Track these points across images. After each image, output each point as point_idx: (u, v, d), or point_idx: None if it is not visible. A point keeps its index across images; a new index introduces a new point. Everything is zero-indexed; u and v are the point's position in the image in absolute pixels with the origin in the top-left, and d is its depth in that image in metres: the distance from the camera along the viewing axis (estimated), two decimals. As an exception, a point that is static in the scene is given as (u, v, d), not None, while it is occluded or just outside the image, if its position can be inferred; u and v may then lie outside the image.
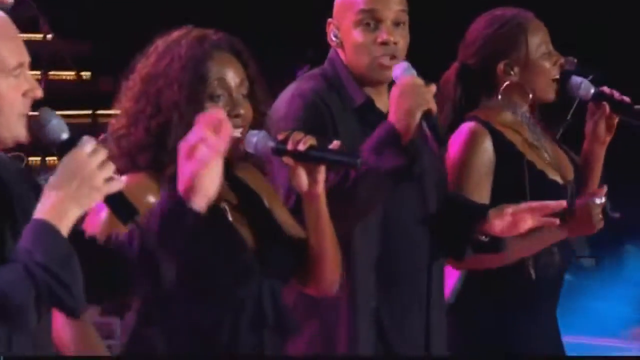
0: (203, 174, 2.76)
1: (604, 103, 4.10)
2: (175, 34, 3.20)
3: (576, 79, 4.07)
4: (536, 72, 4.10)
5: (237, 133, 3.05)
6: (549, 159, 4.17)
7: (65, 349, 3.23)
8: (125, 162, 3.12)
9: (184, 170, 2.78)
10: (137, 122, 3.13)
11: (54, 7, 8.79)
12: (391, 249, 3.76)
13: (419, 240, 3.80)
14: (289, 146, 3.05)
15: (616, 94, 4.10)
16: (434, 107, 3.50)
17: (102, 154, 2.70)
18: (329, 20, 3.69)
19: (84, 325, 3.24)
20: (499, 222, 3.76)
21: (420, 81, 3.51)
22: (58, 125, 2.76)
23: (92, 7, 9.51)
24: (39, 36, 8.10)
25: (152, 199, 3.04)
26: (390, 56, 3.61)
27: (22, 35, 2.86)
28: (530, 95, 4.10)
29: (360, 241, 3.68)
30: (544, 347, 4.19)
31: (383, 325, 3.75)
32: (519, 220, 3.76)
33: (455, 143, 4.05)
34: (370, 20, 3.62)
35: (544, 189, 4.04)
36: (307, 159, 3.07)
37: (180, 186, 2.76)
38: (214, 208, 3.05)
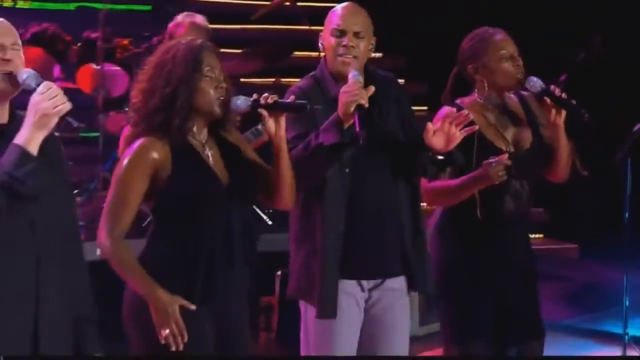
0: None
1: (547, 99, 4.95)
2: (170, 42, 4.49)
3: (531, 78, 5.00)
4: (496, 72, 5.03)
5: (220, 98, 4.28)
6: (506, 134, 5.06)
7: (106, 255, 4.29)
8: (144, 124, 4.26)
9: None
10: (154, 93, 4.21)
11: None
12: (359, 192, 4.75)
13: (386, 188, 4.78)
14: (262, 101, 4.25)
15: (557, 91, 4.96)
16: (365, 103, 4.52)
17: (54, 90, 3.83)
18: (320, 35, 4.94)
19: (119, 245, 4.24)
20: (437, 140, 4.61)
21: (359, 85, 4.60)
22: (30, 80, 3.88)
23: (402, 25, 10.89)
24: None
25: (155, 154, 4.21)
26: (352, 56, 4.77)
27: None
28: (486, 88, 5.03)
29: (331, 186, 4.69)
30: (513, 262, 5.03)
31: (350, 243, 4.72)
32: (449, 135, 4.61)
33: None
34: (339, 32, 4.78)
35: (487, 152, 4.90)
36: (274, 107, 4.23)
37: None
38: (196, 154, 4.29)
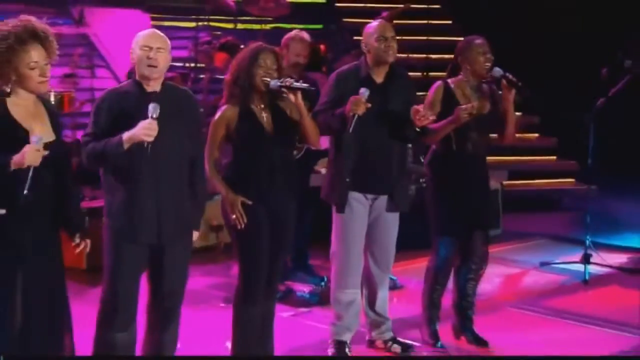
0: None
1: (504, 80, 6.51)
2: (247, 46, 5.98)
3: (495, 68, 6.55)
4: (475, 62, 6.59)
5: (273, 83, 5.78)
6: (475, 103, 6.49)
7: (207, 174, 5.73)
8: (227, 96, 5.86)
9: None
10: (233, 77, 5.84)
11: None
12: (367, 139, 6.30)
13: (384, 138, 6.35)
14: (284, 83, 5.77)
15: (510, 76, 6.51)
16: (361, 113, 6.02)
17: (151, 126, 5.08)
18: (362, 41, 6.42)
19: (210, 168, 5.75)
20: (419, 119, 6.11)
21: (363, 100, 6.05)
22: (152, 110, 5.19)
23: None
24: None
25: (229, 114, 5.78)
26: (392, 51, 6.34)
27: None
28: (469, 73, 6.58)
29: (349, 136, 6.23)
30: (473, 184, 6.61)
31: (361, 172, 6.35)
32: (422, 117, 6.10)
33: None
34: (383, 38, 6.35)
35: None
36: (289, 88, 5.79)
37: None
38: (254, 115, 5.78)
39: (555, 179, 11.71)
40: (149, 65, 5.31)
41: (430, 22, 11.91)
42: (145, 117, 5.20)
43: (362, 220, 6.46)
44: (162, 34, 5.48)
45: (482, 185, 6.79)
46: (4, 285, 4.89)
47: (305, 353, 6.62)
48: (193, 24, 12.00)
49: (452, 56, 6.77)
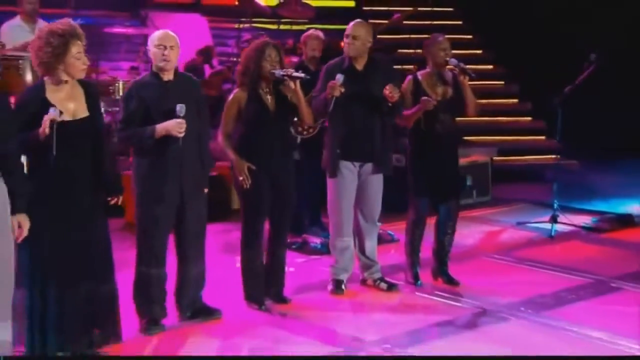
0: None
1: (456, 68, 7.26)
2: (255, 41, 6.72)
3: (451, 59, 7.27)
4: (435, 56, 7.34)
5: (278, 73, 6.47)
6: (437, 90, 7.32)
7: (220, 145, 6.51)
8: (239, 83, 6.56)
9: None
10: (243, 67, 6.55)
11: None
12: (351, 116, 7.01)
13: (367, 114, 7.04)
14: (285, 72, 6.48)
15: (462, 64, 7.23)
16: (337, 95, 6.73)
17: (182, 124, 5.83)
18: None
19: (224, 140, 6.52)
20: (389, 97, 6.83)
21: (338, 84, 6.74)
22: (180, 110, 5.90)
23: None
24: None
25: (239, 96, 6.47)
26: (351, 47, 7.02)
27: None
28: (432, 65, 7.30)
29: (337, 117, 6.99)
30: (441, 159, 7.34)
31: (348, 144, 7.04)
32: (389, 95, 6.83)
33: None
34: (346, 37, 7.07)
35: (422, 97, 7.22)
36: (289, 77, 6.47)
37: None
38: (260, 98, 6.47)
39: (543, 155, 12.64)
40: (164, 60, 6.09)
41: (433, 22, 12.61)
42: (165, 100, 5.99)
43: (351, 183, 7.20)
44: (173, 34, 6.16)
45: (451, 160, 7.51)
46: (38, 240, 5.41)
47: (312, 289, 7.46)
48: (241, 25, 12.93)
49: (453, 52, 7.45)
